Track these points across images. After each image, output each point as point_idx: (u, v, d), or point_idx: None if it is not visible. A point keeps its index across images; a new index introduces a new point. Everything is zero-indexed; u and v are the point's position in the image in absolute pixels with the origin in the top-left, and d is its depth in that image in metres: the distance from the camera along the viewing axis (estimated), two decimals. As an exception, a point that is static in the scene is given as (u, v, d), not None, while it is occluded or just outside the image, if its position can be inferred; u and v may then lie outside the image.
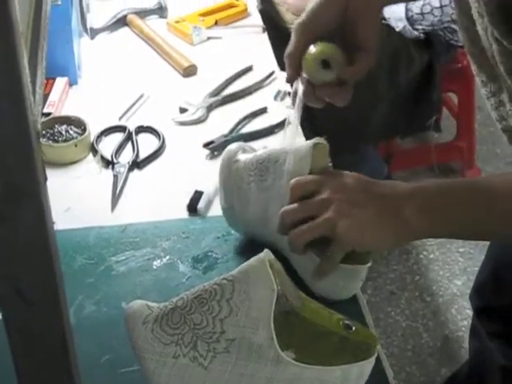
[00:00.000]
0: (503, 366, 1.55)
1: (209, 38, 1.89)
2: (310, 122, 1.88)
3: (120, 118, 1.60)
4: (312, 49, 1.12)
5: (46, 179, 0.60)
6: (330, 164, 1.18)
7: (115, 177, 1.43)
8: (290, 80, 1.15)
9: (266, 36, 1.90)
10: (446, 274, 2.56)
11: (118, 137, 1.53)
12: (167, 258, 1.25)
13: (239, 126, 1.56)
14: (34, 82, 0.67)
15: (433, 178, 2.80)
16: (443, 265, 2.60)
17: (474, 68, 1.10)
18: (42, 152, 0.59)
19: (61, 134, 1.49)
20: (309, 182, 1.11)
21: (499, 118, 1.05)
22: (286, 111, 1.61)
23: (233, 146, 1.26)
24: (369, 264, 1.16)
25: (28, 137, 0.56)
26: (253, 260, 0.98)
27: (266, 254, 0.98)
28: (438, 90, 2.46)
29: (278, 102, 1.65)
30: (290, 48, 1.13)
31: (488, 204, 1.03)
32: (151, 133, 1.55)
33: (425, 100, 2.45)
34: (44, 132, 1.48)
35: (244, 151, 1.25)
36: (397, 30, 2.32)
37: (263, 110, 1.62)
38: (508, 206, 1.02)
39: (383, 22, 2.34)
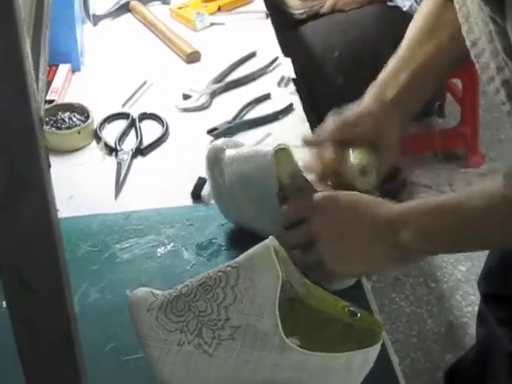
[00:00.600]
0: (511, 352, 1.54)
1: (212, 24, 1.88)
2: (316, 111, 1.88)
3: (123, 105, 1.59)
4: (353, 156, 1.21)
5: (49, 166, 0.60)
6: (299, 168, 1.20)
7: (119, 164, 1.42)
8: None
9: (269, 22, 1.89)
10: (450, 259, 2.55)
11: (122, 124, 1.53)
12: (171, 245, 1.25)
13: (243, 113, 1.56)
14: (36, 69, 0.67)
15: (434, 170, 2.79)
16: (447, 251, 2.59)
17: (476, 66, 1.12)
18: (45, 139, 0.59)
19: (64, 121, 1.49)
20: (303, 209, 1.15)
21: (507, 114, 1.06)
22: (290, 97, 1.60)
23: (218, 143, 1.26)
24: None
25: (31, 124, 0.56)
26: (258, 247, 0.97)
27: (271, 241, 0.97)
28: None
29: (282, 88, 1.64)
30: (329, 158, 1.23)
31: (473, 226, 1.07)
32: (155, 119, 1.55)
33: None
34: (47, 119, 1.47)
35: (228, 147, 1.24)
36: (404, 9, 2.30)
37: (267, 96, 1.61)
38: (490, 225, 1.06)
39: (389, 3, 2.33)
